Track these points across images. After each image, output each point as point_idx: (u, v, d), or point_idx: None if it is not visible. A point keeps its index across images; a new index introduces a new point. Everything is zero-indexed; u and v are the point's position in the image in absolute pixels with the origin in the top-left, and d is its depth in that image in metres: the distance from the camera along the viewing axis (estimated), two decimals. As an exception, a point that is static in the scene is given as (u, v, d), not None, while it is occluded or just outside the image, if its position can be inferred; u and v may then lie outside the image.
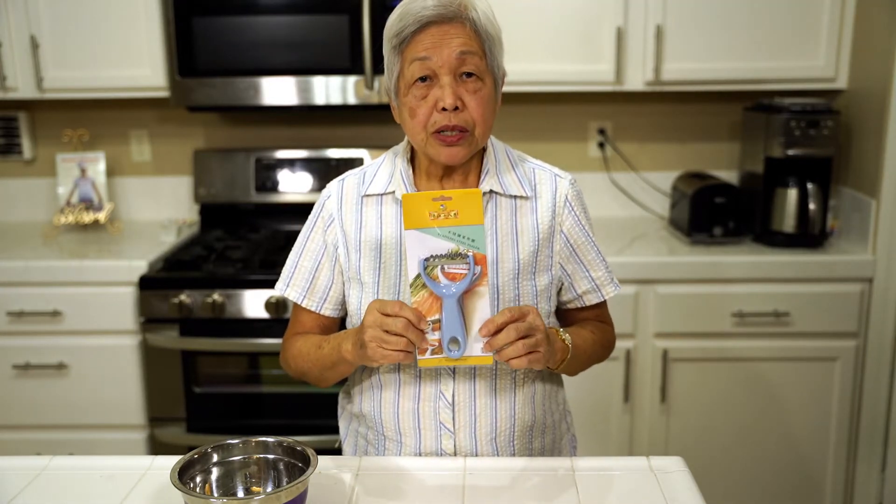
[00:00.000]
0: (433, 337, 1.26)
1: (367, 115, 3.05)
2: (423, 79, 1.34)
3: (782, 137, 2.59)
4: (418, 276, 1.26)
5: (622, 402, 2.59)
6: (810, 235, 2.61)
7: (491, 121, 1.38)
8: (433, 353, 1.27)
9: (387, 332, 1.25)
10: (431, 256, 1.26)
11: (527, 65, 2.66)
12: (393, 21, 1.35)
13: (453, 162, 1.38)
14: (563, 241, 1.45)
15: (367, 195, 1.45)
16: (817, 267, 2.51)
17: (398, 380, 1.42)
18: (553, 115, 3.03)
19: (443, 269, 1.26)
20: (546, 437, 1.50)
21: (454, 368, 1.39)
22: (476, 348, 1.27)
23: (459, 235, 1.25)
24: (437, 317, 1.26)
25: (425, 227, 1.25)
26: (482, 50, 1.34)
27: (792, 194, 2.63)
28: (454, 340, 1.26)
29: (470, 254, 1.25)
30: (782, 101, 2.63)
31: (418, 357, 1.28)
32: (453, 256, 1.25)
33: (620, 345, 2.51)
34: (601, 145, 3.05)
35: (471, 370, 1.40)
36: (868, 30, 2.56)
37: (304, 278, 1.49)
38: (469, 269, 1.25)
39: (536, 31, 2.65)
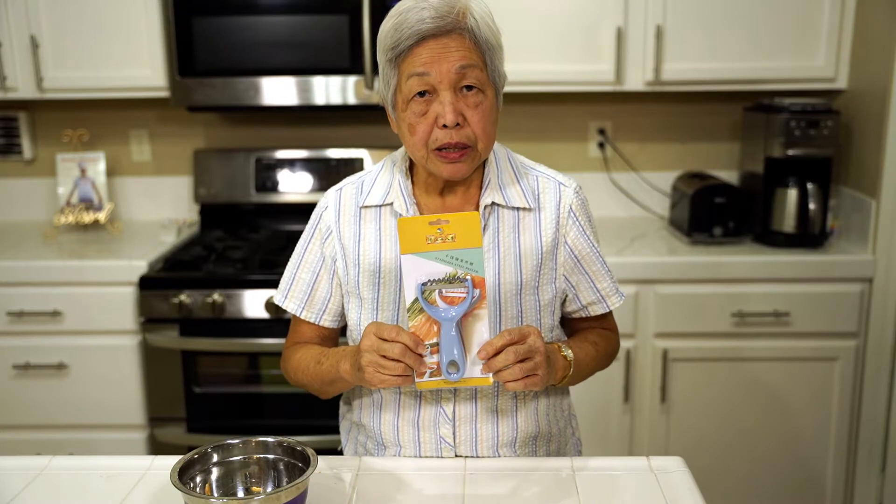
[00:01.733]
0: (431, 360, 1.24)
1: (367, 115, 3.04)
2: (421, 94, 1.30)
3: (782, 137, 2.59)
4: (415, 300, 1.24)
5: (622, 402, 2.59)
6: (810, 235, 2.61)
7: (493, 133, 1.35)
8: (432, 375, 1.25)
9: (384, 357, 1.22)
10: (429, 281, 1.23)
11: (527, 65, 2.66)
12: (388, 32, 1.30)
13: (456, 178, 1.34)
14: (568, 252, 1.42)
15: (366, 206, 1.42)
16: (817, 267, 2.51)
17: (398, 397, 1.41)
18: (553, 115, 3.03)
19: (440, 293, 1.23)
20: (551, 445, 1.50)
21: (455, 388, 1.37)
22: (475, 371, 1.25)
23: (457, 259, 1.22)
24: (435, 340, 1.24)
25: (422, 251, 1.22)
26: (482, 61, 1.30)
27: (792, 194, 2.63)
28: (453, 363, 1.23)
29: (468, 277, 1.23)
30: (782, 101, 2.63)
31: (416, 380, 1.26)
32: (451, 280, 1.23)
33: (621, 344, 2.51)
34: (601, 145, 3.05)
35: (472, 388, 1.38)
36: (868, 30, 2.56)
37: (302, 290, 1.47)
38: (468, 293, 1.23)
39: (536, 31, 2.65)
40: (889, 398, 2.55)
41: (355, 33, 2.61)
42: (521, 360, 1.22)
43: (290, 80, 2.67)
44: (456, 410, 1.39)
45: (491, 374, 1.24)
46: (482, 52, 1.30)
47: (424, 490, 1.31)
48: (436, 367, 1.24)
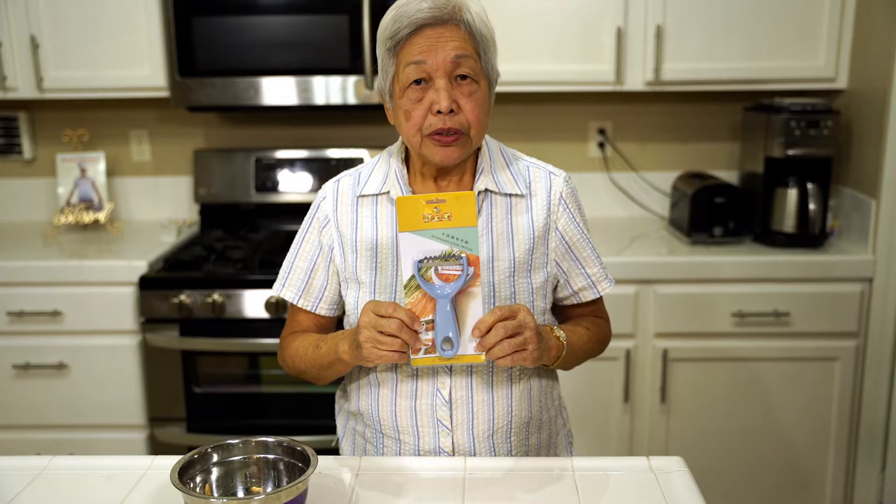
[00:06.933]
0: (427, 337, 1.28)
1: (367, 115, 3.05)
2: (417, 81, 1.34)
3: (782, 137, 2.59)
4: (412, 277, 1.28)
5: (622, 402, 2.59)
6: (810, 235, 2.61)
7: (486, 122, 1.39)
8: (426, 352, 1.29)
9: (381, 332, 1.26)
10: (425, 258, 1.27)
11: (527, 65, 2.66)
12: (387, 23, 1.35)
13: (448, 163, 1.39)
14: (559, 238, 1.46)
15: (363, 195, 1.46)
16: (817, 267, 2.51)
17: (395, 378, 1.43)
18: (553, 115, 3.03)
19: (436, 270, 1.27)
20: (542, 433, 1.51)
21: (451, 366, 1.39)
22: (469, 347, 1.29)
23: (453, 237, 1.27)
24: (430, 317, 1.28)
25: (419, 229, 1.27)
26: (476, 52, 1.35)
27: (792, 194, 2.63)
28: (447, 340, 1.27)
29: (463, 255, 1.27)
30: (782, 101, 2.63)
31: (412, 356, 1.29)
32: (447, 258, 1.27)
33: (621, 345, 2.52)
34: (601, 145, 3.05)
35: (467, 367, 1.40)
36: (868, 30, 2.56)
37: (299, 279, 1.50)
38: (462, 271, 1.27)
39: (537, 31, 2.65)
40: (889, 398, 2.55)
41: (355, 33, 2.61)
42: (512, 336, 1.26)
43: (290, 80, 2.67)
44: (452, 391, 1.40)
45: (484, 353, 1.28)
46: (477, 44, 1.36)
47: (424, 489, 1.31)
48: (430, 343, 1.28)
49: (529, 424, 1.47)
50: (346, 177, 1.50)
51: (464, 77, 1.34)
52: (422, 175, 1.45)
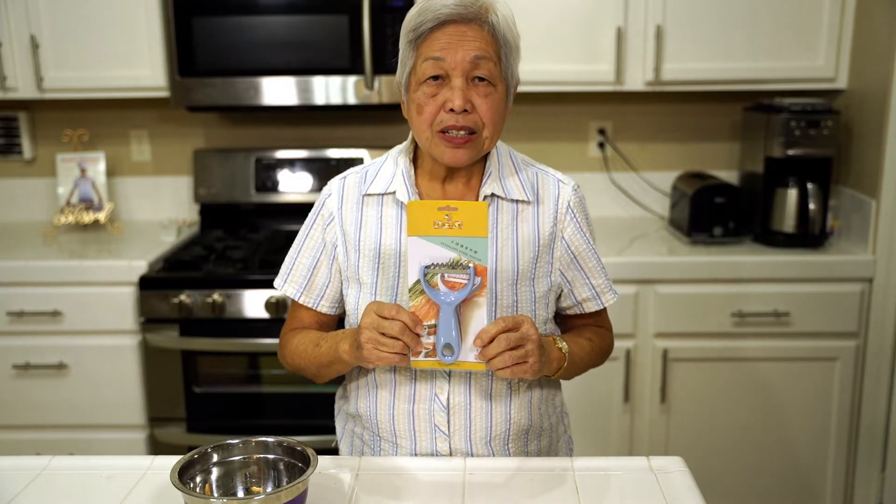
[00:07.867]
0: (428, 340, 1.28)
1: (367, 115, 3.05)
2: (434, 77, 1.33)
3: (782, 137, 2.59)
4: (417, 282, 1.27)
5: (622, 402, 2.59)
6: (810, 235, 2.61)
7: (500, 125, 1.38)
8: (427, 355, 1.28)
9: (383, 334, 1.25)
10: (432, 264, 1.26)
11: (527, 65, 2.62)
12: (412, 15, 1.35)
13: (457, 164, 1.37)
14: (564, 247, 1.44)
15: (368, 194, 1.44)
16: (817, 267, 2.51)
17: (394, 380, 1.42)
18: (553, 115, 3.03)
19: (443, 277, 1.27)
20: (542, 441, 1.50)
21: (450, 370, 1.39)
22: (470, 356, 1.28)
23: (462, 246, 1.26)
24: (433, 322, 1.27)
25: (428, 235, 1.26)
26: (497, 56, 1.34)
27: (792, 194, 2.63)
28: (448, 347, 1.27)
29: (471, 265, 1.26)
30: (782, 101, 2.63)
31: (412, 358, 1.29)
32: (454, 266, 1.26)
33: (620, 345, 2.52)
34: (601, 145, 3.05)
35: (466, 373, 1.39)
36: (868, 30, 2.56)
37: (301, 275, 1.49)
38: (469, 280, 1.26)
39: (537, 31, 2.65)
40: (889, 398, 2.55)
41: (355, 33, 2.61)
42: (513, 348, 1.25)
43: (290, 80, 2.67)
44: (451, 397, 1.40)
45: (484, 362, 1.27)
46: (499, 47, 1.34)
47: (424, 489, 1.31)
48: (431, 347, 1.28)
49: (529, 432, 1.46)
50: (352, 174, 1.48)
51: (481, 79, 1.33)
52: (430, 175, 1.44)
